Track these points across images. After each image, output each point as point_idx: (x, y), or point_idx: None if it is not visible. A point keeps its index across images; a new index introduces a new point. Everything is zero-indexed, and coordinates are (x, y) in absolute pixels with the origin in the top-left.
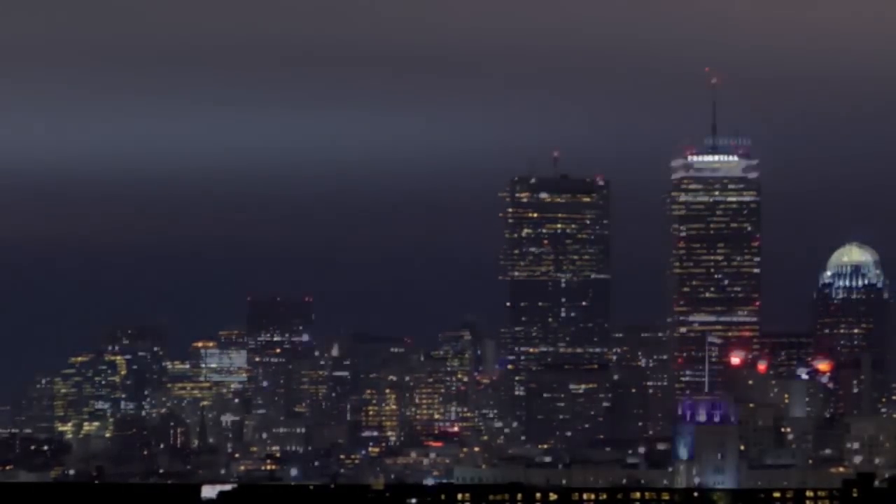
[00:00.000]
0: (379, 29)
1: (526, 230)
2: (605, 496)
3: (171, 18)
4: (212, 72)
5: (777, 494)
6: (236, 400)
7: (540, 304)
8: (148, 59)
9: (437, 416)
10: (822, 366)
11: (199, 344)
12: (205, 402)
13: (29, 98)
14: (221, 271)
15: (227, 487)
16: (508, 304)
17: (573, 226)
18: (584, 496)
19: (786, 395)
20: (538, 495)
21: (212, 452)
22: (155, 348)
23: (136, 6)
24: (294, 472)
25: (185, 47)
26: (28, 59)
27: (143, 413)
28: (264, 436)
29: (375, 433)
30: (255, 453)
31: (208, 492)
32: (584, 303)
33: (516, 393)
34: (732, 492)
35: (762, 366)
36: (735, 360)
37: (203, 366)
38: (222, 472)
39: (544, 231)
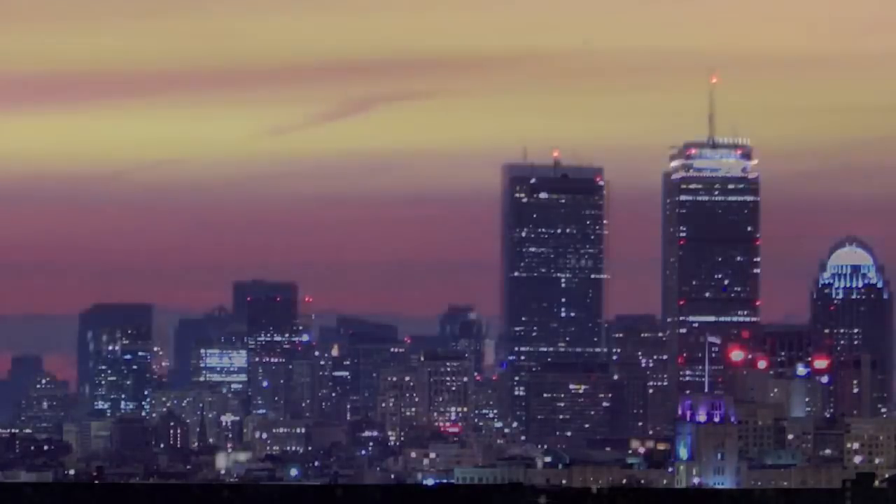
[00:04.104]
0: (378, 29)
1: (526, 230)
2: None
3: (169, 18)
4: (208, 72)
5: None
6: (236, 400)
7: (540, 303)
8: (146, 59)
9: (437, 416)
10: (820, 363)
11: (199, 344)
12: (204, 402)
13: (28, 98)
14: (221, 271)
15: None
16: (508, 304)
17: (573, 226)
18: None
19: (786, 395)
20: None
21: (212, 452)
22: (155, 348)
23: (135, 6)
24: (294, 472)
25: (184, 47)
26: (28, 59)
27: (144, 413)
28: (264, 436)
29: (375, 433)
30: (256, 453)
31: None
32: (584, 303)
33: (516, 393)
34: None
35: (762, 365)
36: (735, 359)
37: (203, 366)
38: (222, 472)
39: (544, 231)
